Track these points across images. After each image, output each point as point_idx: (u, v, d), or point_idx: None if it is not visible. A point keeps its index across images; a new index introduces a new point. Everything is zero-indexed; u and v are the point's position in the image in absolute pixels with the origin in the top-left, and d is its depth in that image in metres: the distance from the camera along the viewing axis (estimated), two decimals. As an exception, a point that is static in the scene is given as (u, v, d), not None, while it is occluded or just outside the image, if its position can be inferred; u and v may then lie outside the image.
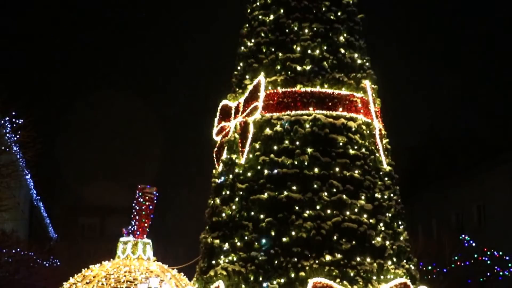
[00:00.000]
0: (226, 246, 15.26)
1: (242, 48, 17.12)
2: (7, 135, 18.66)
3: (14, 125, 18.23)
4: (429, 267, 27.51)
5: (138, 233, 17.04)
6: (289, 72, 15.93)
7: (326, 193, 14.90)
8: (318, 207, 14.78)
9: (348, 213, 14.84)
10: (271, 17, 16.73)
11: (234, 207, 15.47)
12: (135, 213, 17.53)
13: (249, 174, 15.46)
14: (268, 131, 15.59)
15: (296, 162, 15.14)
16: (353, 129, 15.65)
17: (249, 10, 17.49)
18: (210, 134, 17.15)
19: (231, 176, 15.87)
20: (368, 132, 15.96)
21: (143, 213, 17.48)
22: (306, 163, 15.11)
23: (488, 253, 27.60)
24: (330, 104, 15.72)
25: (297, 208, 14.75)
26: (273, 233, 14.70)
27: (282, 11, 16.63)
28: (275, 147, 15.42)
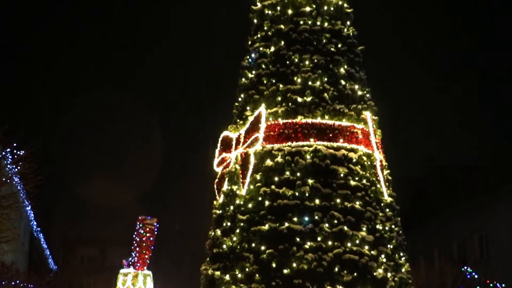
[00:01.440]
0: (227, 278, 15.17)
1: (243, 79, 17.22)
2: (8, 166, 18.69)
3: (15, 156, 18.27)
4: (431, 299, 27.34)
5: (138, 264, 16.99)
6: (290, 104, 16.00)
7: (327, 225, 14.86)
8: (319, 239, 14.72)
9: (349, 244, 14.78)
10: (272, 49, 16.85)
11: (235, 238, 15.42)
12: (135, 244, 17.52)
13: (250, 205, 15.44)
14: (269, 162, 15.60)
15: (297, 193, 15.12)
16: (354, 160, 15.66)
17: (250, 42, 17.64)
18: (211, 166, 17.19)
19: (232, 207, 15.85)
20: (369, 163, 15.98)
21: (144, 244, 17.47)
22: (307, 194, 15.09)
23: (491, 285, 27.44)
24: (331, 135, 15.75)
25: (298, 239, 14.69)
26: (274, 265, 14.63)
27: (282, 43, 16.76)
28: (276, 178, 15.41)
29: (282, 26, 16.95)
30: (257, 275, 14.68)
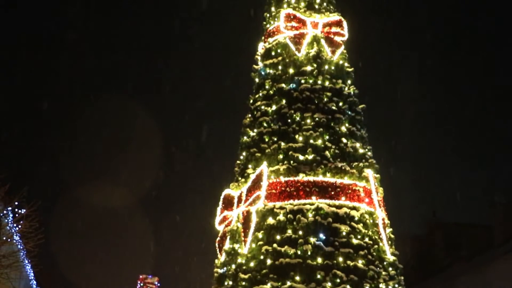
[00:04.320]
0: (229, 338, 14.97)
1: (245, 137, 17.30)
2: (9, 225, 18.65)
3: (16, 215, 18.26)
4: None
5: (139, 325, 16.70)
6: (292, 162, 16.04)
7: (329, 284, 14.71)
8: (322, 298, 14.57)
9: (352, 304, 14.61)
10: (274, 107, 16.99)
11: (236, 297, 15.25)
12: (136, 304, 17.30)
13: (251, 264, 15.33)
14: (270, 220, 15.54)
15: (299, 252, 15.03)
16: (356, 218, 15.61)
17: (251, 101, 17.79)
18: (213, 225, 17.12)
19: (233, 266, 15.72)
20: (371, 221, 15.91)
21: (145, 304, 17.23)
22: (309, 253, 15.00)
23: None
24: (332, 193, 15.75)
25: (300, 299, 14.54)
26: (276, 325, 14.44)
27: (284, 101, 16.90)
28: (278, 237, 15.34)
29: (283, 85, 17.13)
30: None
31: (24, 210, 18.00)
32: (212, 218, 17.18)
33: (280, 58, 17.60)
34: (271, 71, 17.60)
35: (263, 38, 18.60)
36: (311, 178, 15.79)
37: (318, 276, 14.75)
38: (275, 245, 15.17)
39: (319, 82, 17.08)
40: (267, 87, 17.44)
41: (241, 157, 17.22)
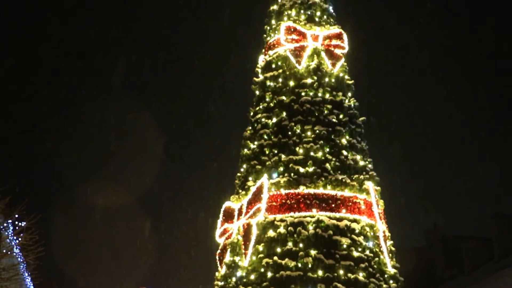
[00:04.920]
0: None
1: (245, 150, 17.31)
2: (9, 237, 18.60)
3: (16, 227, 18.20)
4: None
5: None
6: (292, 174, 16.03)
7: (330, 296, 14.68)
8: (322, 311, 14.52)
9: (353, 317, 14.57)
10: (274, 119, 17.01)
11: (237, 310, 15.21)
12: (136, 317, 17.23)
13: (252, 277, 15.30)
14: (271, 233, 15.53)
15: (299, 265, 15.01)
16: (357, 230, 15.59)
17: (252, 113, 17.81)
18: (214, 236, 17.09)
19: (234, 279, 15.70)
20: (372, 234, 15.89)
21: (145, 316, 17.18)
22: (310, 266, 14.97)
23: None
24: (333, 205, 15.74)
25: (301, 311, 14.50)
26: (277, 338, 14.40)
27: (284, 114, 16.93)
28: (279, 249, 15.32)
29: (284, 98, 17.15)
30: None
31: (25, 223, 17.95)
32: (213, 229, 17.17)
33: (280, 71, 17.62)
34: (272, 84, 17.62)
35: (263, 50, 18.63)
36: (311, 191, 15.79)
37: (319, 289, 14.72)
38: (275, 257, 15.15)
39: (320, 94, 17.11)
40: (267, 99, 17.46)
41: (242, 170, 17.22)
